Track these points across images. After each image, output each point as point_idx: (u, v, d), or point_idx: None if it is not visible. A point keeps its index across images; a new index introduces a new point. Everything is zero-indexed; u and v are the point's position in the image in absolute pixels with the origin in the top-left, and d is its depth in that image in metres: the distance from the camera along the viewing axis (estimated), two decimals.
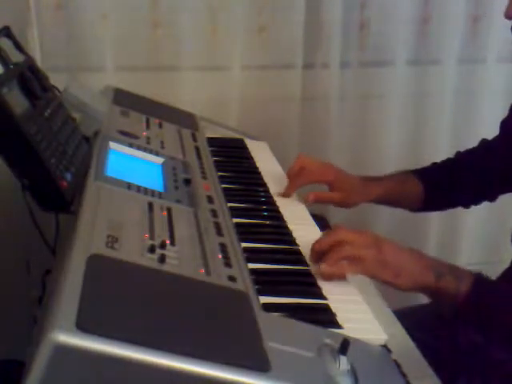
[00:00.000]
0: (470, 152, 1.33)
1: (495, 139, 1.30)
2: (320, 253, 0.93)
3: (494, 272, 1.17)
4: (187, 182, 1.04)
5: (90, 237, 0.74)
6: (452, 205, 1.38)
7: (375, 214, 1.82)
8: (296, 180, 1.22)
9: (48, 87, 1.03)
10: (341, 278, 0.91)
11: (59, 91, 1.14)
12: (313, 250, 0.94)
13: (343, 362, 0.69)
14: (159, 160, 1.10)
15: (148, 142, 1.16)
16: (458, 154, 1.35)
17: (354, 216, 1.55)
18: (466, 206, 1.36)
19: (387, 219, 1.85)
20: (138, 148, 1.12)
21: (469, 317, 0.91)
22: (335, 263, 0.90)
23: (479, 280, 0.91)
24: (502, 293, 0.92)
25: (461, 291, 0.89)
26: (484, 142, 1.33)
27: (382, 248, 0.90)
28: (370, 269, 0.90)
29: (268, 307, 0.79)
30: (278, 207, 1.15)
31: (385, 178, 1.32)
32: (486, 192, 1.31)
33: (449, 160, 1.35)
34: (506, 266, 1.23)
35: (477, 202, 1.34)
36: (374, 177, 1.32)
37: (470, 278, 0.90)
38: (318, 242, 0.94)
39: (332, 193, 1.25)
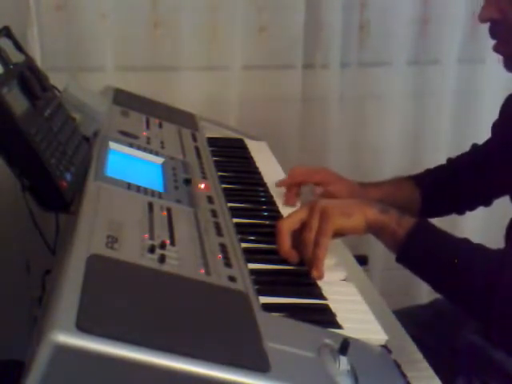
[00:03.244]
0: (462, 157, 1.33)
1: (486, 143, 1.30)
2: (290, 252, 0.95)
3: None
4: (187, 182, 1.04)
5: (89, 237, 0.74)
6: (448, 211, 1.37)
7: None
8: (293, 187, 1.20)
9: (48, 87, 1.03)
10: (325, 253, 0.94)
11: (59, 91, 1.14)
12: (284, 256, 0.95)
13: (343, 362, 0.69)
14: (159, 160, 1.10)
15: (148, 142, 1.16)
16: (450, 160, 1.34)
17: None
18: (461, 212, 1.35)
19: None
20: (138, 148, 1.12)
21: (408, 254, 0.93)
22: (313, 252, 0.93)
23: (423, 220, 0.94)
24: (445, 237, 0.93)
25: (404, 226, 0.92)
26: (475, 147, 1.32)
27: (321, 205, 0.95)
28: (331, 228, 0.93)
29: (268, 307, 0.79)
30: (277, 207, 1.15)
31: (382, 183, 1.32)
32: (480, 197, 1.30)
33: (442, 166, 1.34)
34: None
35: (472, 207, 1.33)
36: (371, 182, 1.32)
37: (414, 217, 0.94)
38: (280, 248, 0.95)
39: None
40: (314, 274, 0.92)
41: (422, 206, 1.29)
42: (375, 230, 0.95)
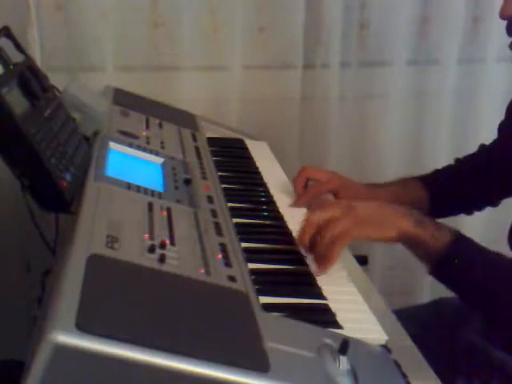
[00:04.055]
0: (470, 158, 1.33)
1: (494, 143, 1.30)
2: (305, 245, 0.94)
3: None
4: (187, 182, 1.05)
5: (89, 237, 0.74)
6: (455, 212, 1.37)
7: None
8: (305, 194, 1.19)
9: (48, 87, 1.03)
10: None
11: (59, 91, 1.14)
12: (299, 244, 0.95)
13: (343, 362, 0.69)
14: (159, 160, 1.10)
15: (148, 142, 1.16)
16: (458, 160, 1.34)
17: None
18: (469, 212, 1.35)
19: None
20: (138, 148, 1.12)
21: (444, 270, 0.91)
22: (326, 249, 0.91)
23: (460, 234, 0.92)
24: (482, 253, 0.91)
25: (440, 240, 0.90)
26: (483, 147, 1.32)
27: (357, 210, 0.92)
28: (355, 234, 0.91)
29: (268, 307, 0.79)
30: (278, 207, 1.15)
31: (389, 183, 1.31)
32: (488, 197, 1.30)
33: (449, 167, 1.34)
34: None
35: (479, 207, 1.33)
36: (378, 183, 1.31)
37: (450, 230, 0.91)
38: (300, 236, 0.94)
39: None
40: (319, 269, 0.91)
41: (430, 207, 1.29)
42: (408, 242, 0.93)
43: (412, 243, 0.93)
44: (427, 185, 1.29)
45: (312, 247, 0.94)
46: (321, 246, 0.92)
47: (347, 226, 0.91)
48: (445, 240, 0.90)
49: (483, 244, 0.92)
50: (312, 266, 0.95)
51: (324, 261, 0.92)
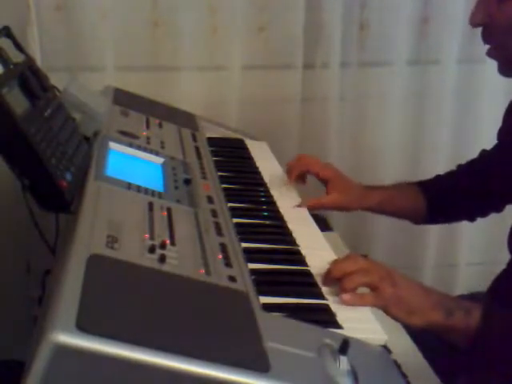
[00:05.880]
0: (471, 164, 1.32)
1: (494, 148, 1.29)
2: (335, 278, 0.90)
3: (492, 272, 1.17)
4: (187, 182, 1.05)
5: (89, 237, 0.74)
6: (456, 218, 1.36)
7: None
8: (294, 168, 1.23)
9: (48, 87, 1.03)
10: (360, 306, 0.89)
11: (59, 91, 1.14)
12: (328, 274, 0.91)
13: (343, 362, 0.69)
14: (159, 160, 1.10)
15: (148, 142, 1.16)
16: (460, 166, 1.34)
17: (354, 217, 1.55)
18: (471, 219, 1.34)
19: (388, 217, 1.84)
20: (138, 148, 1.12)
21: (481, 351, 0.89)
22: (353, 290, 0.88)
23: (488, 313, 0.90)
24: None
25: (470, 326, 0.88)
26: (484, 153, 1.32)
27: (397, 281, 0.89)
28: (386, 302, 0.88)
29: (268, 307, 0.79)
30: (278, 207, 1.15)
31: (386, 186, 1.31)
32: (490, 203, 1.29)
33: (451, 172, 1.34)
34: (503, 266, 1.23)
35: (483, 213, 1.31)
36: (375, 185, 1.31)
37: (478, 312, 0.89)
38: (335, 268, 0.91)
39: (328, 196, 1.24)
40: (345, 298, 0.87)
41: (430, 212, 1.29)
42: (436, 331, 0.91)
43: (443, 332, 0.91)
44: (425, 190, 1.29)
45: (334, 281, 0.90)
46: (350, 286, 0.88)
47: (385, 289, 0.87)
48: (475, 323, 0.88)
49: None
50: (324, 289, 0.91)
51: (351, 304, 0.87)
